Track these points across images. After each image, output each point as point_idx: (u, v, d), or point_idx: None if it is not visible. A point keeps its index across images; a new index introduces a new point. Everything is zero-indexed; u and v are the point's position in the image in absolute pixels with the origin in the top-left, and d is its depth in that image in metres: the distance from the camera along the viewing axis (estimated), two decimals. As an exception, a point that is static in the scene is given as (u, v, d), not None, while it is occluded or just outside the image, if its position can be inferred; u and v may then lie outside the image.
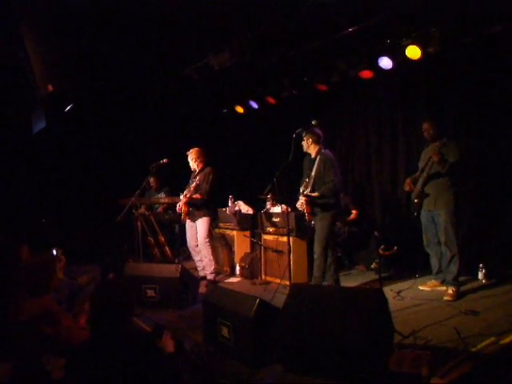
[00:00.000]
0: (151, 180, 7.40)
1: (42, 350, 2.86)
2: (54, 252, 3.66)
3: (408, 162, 6.39)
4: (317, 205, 4.97)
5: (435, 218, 4.92)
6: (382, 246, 4.00)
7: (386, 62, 5.87)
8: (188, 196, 5.68)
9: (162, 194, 7.59)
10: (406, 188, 5.14)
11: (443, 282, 5.01)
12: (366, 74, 6.25)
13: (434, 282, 5.14)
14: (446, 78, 5.79)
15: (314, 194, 4.94)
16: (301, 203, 4.99)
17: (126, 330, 2.50)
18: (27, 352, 2.85)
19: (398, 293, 4.99)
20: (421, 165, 5.11)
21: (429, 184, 4.92)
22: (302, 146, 5.12)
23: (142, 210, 6.78)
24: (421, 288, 5.13)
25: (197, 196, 5.70)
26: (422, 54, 5.45)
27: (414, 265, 5.67)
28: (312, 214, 5.00)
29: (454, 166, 4.71)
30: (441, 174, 4.81)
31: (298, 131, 4.75)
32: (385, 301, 3.05)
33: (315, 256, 5.02)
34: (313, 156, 5.11)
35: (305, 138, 5.12)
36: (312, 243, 5.22)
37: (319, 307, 3.14)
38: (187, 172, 6.18)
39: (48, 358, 2.85)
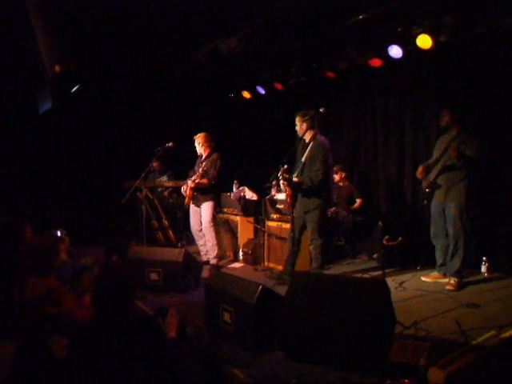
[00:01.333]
0: (154, 163, 7.41)
1: (45, 329, 2.89)
2: (58, 233, 3.68)
3: (415, 153, 6.34)
4: (302, 190, 4.90)
5: (445, 210, 4.85)
6: (387, 237, 3.98)
7: (395, 51, 5.80)
8: (196, 181, 5.67)
9: (165, 178, 7.58)
10: (419, 176, 5.03)
11: (446, 275, 5.01)
12: (376, 62, 6.20)
13: (436, 273, 5.12)
14: (457, 69, 5.70)
15: (294, 179, 4.88)
16: (282, 184, 4.94)
17: (128, 313, 2.52)
18: (31, 331, 2.88)
19: (401, 283, 4.99)
20: (436, 153, 4.98)
21: (442, 175, 4.82)
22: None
23: (145, 192, 6.75)
24: (423, 279, 5.12)
25: (204, 181, 5.70)
26: (433, 43, 5.37)
27: (418, 256, 5.65)
28: (294, 197, 4.93)
29: (470, 160, 4.63)
30: (456, 167, 4.72)
31: (305, 119, 4.70)
32: (387, 291, 3.04)
33: (311, 247, 5.02)
34: (307, 141, 5.01)
35: (298, 123, 5.03)
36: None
37: (322, 296, 3.14)
38: (191, 156, 6.18)
39: (51, 338, 2.87)
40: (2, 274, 3.45)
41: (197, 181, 5.68)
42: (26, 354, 2.33)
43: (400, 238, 4.06)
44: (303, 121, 4.98)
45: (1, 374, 2.47)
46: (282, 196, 5.92)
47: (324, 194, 4.93)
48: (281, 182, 4.93)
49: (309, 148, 4.91)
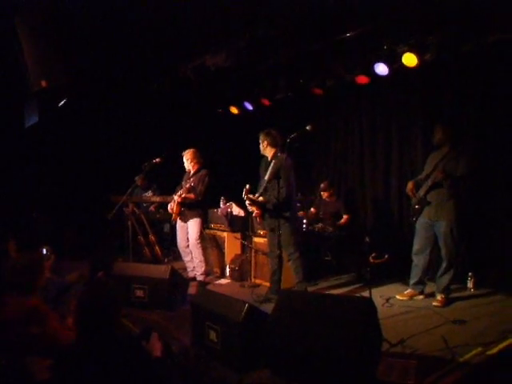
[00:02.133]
0: (138, 178, 7.40)
1: (27, 350, 2.84)
2: (44, 251, 3.65)
3: (401, 169, 6.43)
4: (268, 210, 4.97)
5: (435, 228, 4.85)
6: (373, 254, 3.99)
7: (381, 69, 5.89)
8: (183, 196, 5.67)
9: (150, 193, 7.56)
10: (409, 192, 5.03)
11: (421, 293, 5.04)
12: (362, 79, 6.28)
13: (411, 291, 5.09)
14: (443, 86, 5.82)
15: (255, 197, 4.97)
16: (248, 205, 5.02)
17: (113, 333, 2.50)
18: (12, 352, 2.83)
19: (387, 300, 5.00)
20: (426, 169, 4.99)
21: (432, 192, 4.82)
22: (296, 151, 5.06)
23: (131, 207, 6.70)
24: (398, 297, 5.05)
25: (190, 195, 5.70)
26: (419, 61, 5.47)
27: (404, 271, 5.68)
28: (262, 216, 5.03)
29: (460, 178, 4.67)
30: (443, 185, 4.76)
31: (292, 136, 4.72)
32: (374, 310, 3.06)
33: (290, 263, 5.03)
34: (269, 159, 5.09)
35: (260, 141, 5.12)
36: (305, 247, 5.28)
37: (308, 314, 3.14)
38: (176, 172, 6.18)
39: (33, 359, 2.82)
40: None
41: (183, 195, 5.67)
42: (5, 377, 2.28)
43: (386, 256, 4.07)
44: (263, 139, 5.08)
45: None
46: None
47: (289, 211, 4.99)
48: (246, 202, 5.00)
49: (271, 166, 4.96)
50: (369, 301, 3.14)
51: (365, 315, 2.97)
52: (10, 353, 2.80)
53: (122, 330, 3.49)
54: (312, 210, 6.85)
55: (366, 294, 4.96)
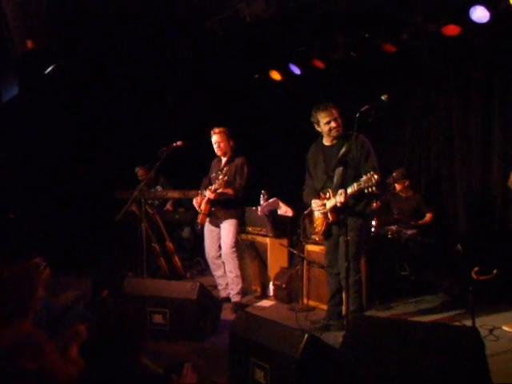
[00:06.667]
0: (138, 169, 7.45)
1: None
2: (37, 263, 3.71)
3: (506, 152, 6.31)
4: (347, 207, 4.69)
5: None
6: (476, 269, 3.90)
7: (480, 14, 5.77)
8: (219, 191, 5.66)
9: (158, 188, 7.64)
10: (511, 186, 4.96)
11: None
12: (451, 29, 6.20)
13: None
14: None
15: (349, 191, 4.60)
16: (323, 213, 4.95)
17: (132, 368, 2.53)
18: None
19: (491, 330, 4.88)
20: None
21: None
22: (368, 128, 4.95)
23: (144, 206, 6.69)
24: (506, 329, 4.93)
25: (228, 191, 5.72)
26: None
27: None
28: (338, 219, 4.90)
29: None
30: None
31: (363, 109, 4.62)
32: (481, 344, 2.98)
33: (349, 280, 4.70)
34: (330, 143, 5.06)
35: (336, 116, 4.98)
36: (374, 257, 5.34)
37: (391, 348, 3.09)
38: (190, 160, 6.25)
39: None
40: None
41: (219, 190, 5.66)
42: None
43: (495, 271, 3.98)
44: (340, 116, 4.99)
45: None
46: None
47: (369, 207, 5.00)
48: (321, 210, 4.92)
49: (345, 147, 4.67)
50: (474, 331, 3.07)
51: (470, 350, 2.90)
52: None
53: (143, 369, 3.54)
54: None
55: (462, 322, 4.88)
